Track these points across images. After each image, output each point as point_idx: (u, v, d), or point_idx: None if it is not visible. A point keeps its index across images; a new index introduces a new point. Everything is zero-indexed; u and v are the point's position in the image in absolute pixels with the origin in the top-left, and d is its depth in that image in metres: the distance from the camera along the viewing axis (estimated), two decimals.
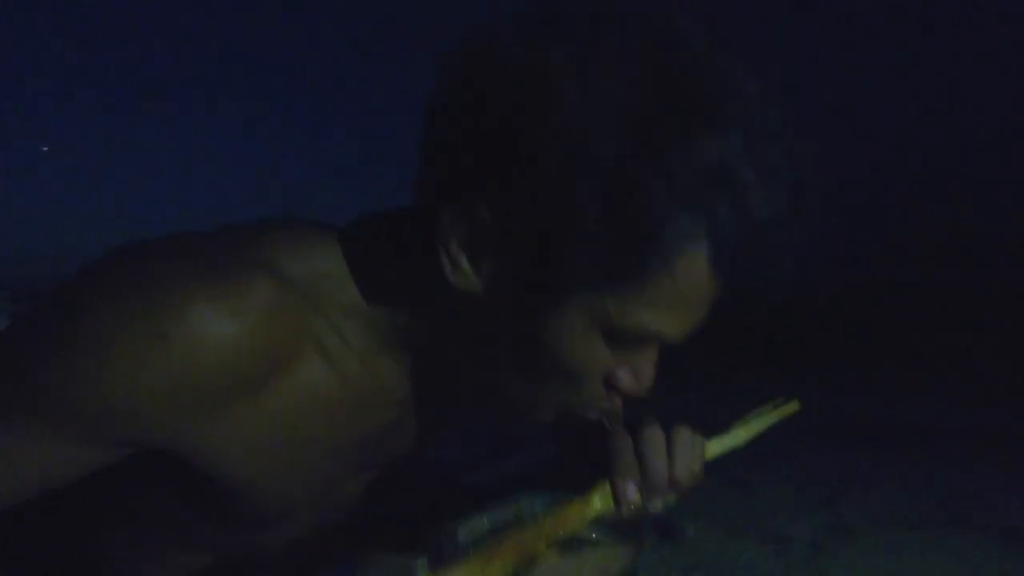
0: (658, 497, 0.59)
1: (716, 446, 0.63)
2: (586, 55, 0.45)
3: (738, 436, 0.65)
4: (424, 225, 0.52)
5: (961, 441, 2.79)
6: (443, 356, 0.58)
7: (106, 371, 0.46)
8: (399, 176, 0.60)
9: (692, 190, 0.44)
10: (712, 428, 0.66)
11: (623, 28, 0.47)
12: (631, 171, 0.44)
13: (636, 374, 0.55)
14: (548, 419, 0.58)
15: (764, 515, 1.88)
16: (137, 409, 0.47)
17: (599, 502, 0.58)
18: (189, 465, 0.53)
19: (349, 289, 0.56)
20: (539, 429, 0.73)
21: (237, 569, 0.70)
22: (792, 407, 0.70)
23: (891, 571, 1.53)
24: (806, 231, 0.49)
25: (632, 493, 0.58)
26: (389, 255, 0.56)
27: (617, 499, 0.57)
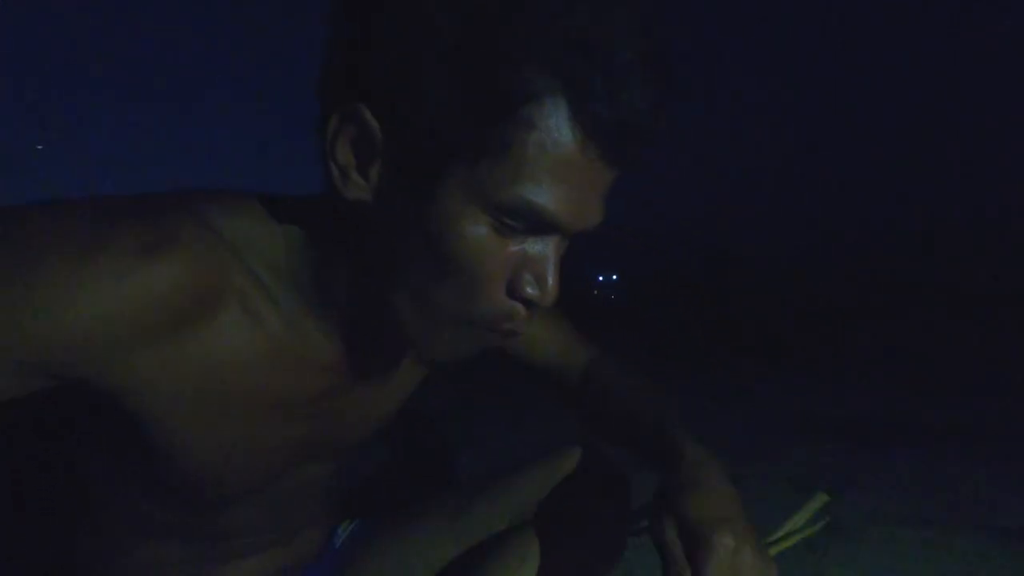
0: None
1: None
2: None
3: (780, 547, 0.67)
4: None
5: (958, 438, 2.77)
6: (360, 307, 0.58)
7: (22, 296, 0.46)
8: None
9: (540, 44, 0.46)
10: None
11: None
12: (477, 36, 0.46)
13: (538, 278, 0.53)
14: (463, 351, 0.57)
15: (758, 514, 1.85)
16: (53, 331, 0.47)
17: None
18: (118, 410, 0.53)
19: (276, 249, 0.57)
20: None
21: (208, 562, 0.68)
22: (821, 500, 0.73)
23: (887, 568, 1.51)
24: (660, 83, 0.49)
25: None
26: (311, 216, 0.58)
27: None
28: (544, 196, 0.49)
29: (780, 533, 0.66)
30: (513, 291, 0.54)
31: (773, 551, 0.63)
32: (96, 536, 0.66)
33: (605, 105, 0.47)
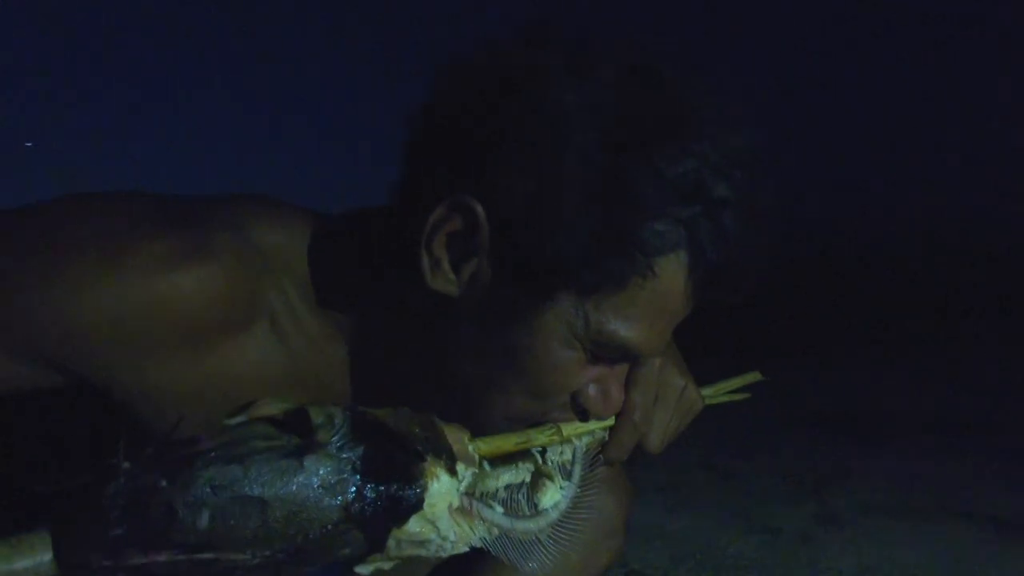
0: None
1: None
2: (580, 65, 0.48)
3: (708, 400, 0.68)
4: (403, 224, 0.52)
5: (948, 430, 2.80)
6: (397, 355, 0.57)
7: (48, 289, 0.46)
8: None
9: (673, 198, 0.47)
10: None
11: (614, 47, 0.51)
12: (619, 175, 0.46)
13: (604, 394, 0.55)
14: (499, 429, 0.56)
15: (752, 506, 1.87)
16: (68, 330, 0.47)
17: (596, 429, 0.58)
18: (125, 413, 0.53)
19: (313, 270, 0.55)
20: None
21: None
22: (753, 376, 0.76)
23: (880, 559, 1.53)
24: (766, 248, 0.52)
25: (628, 446, 0.59)
26: (359, 246, 0.57)
27: (614, 440, 0.59)
28: (640, 334, 0.51)
29: (708, 391, 0.70)
30: (577, 401, 0.55)
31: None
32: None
33: (719, 259, 0.50)
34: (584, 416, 0.56)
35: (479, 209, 0.48)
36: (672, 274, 0.50)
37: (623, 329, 0.50)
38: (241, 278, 0.51)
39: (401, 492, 0.42)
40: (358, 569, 0.43)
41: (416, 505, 0.42)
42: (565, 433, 0.55)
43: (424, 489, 0.43)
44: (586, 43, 0.50)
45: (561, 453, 0.56)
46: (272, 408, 0.43)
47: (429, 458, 0.44)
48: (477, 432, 0.54)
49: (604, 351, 0.52)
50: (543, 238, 0.47)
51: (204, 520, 0.36)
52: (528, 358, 0.51)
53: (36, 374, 0.49)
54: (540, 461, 0.54)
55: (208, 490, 0.36)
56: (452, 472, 0.45)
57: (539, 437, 0.54)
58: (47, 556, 0.35)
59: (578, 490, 0.55)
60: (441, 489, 0.44)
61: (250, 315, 0.53)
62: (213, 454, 0.38)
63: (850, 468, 2.26)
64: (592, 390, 0.55)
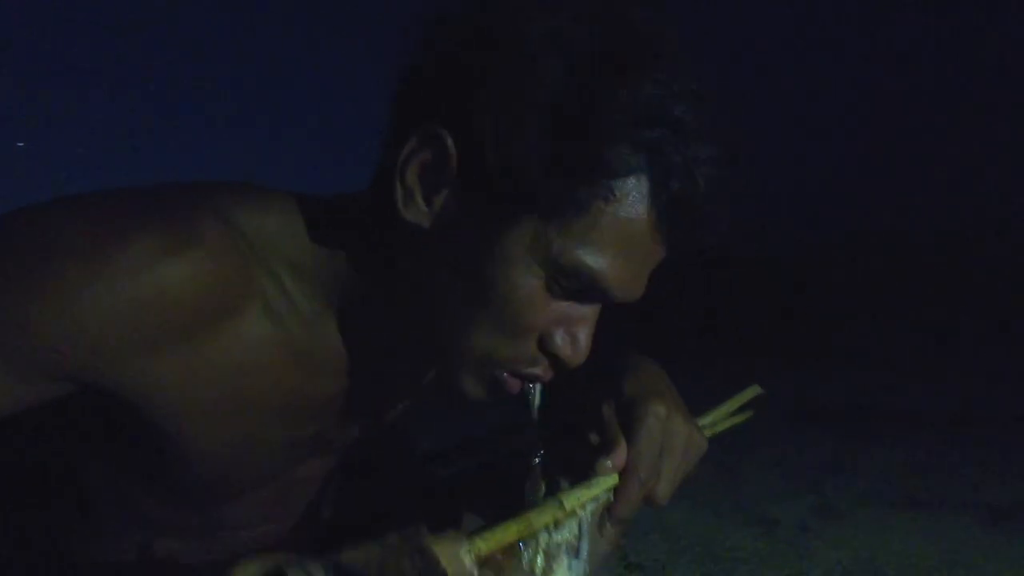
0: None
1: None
2: (543, 6, 0.49)
3: (710, 431, 0.66)
4: (380, 172, 0.54)
5: (943, 423, 2.82)
6: (384, 314, 0.58)
7: (45, 295, 0.45)
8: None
9: (634, 122, 0.48)
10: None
11: None
12: (581, 99, 0.47)
13: (572, 338, 0.54)
14: (477, 392, 0.57)
15: (751, 498, 1.89)
16: (72, 337, 0.46)
17: (601, 493, 0.56)
18: (131, 412, 0.52)
19: (300, 249, 0.56)
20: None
21: (207, 556, 0.68)
22: (752, 391, 0.73)
23: (877, 549, 1.55)
24: (732, 184, 0.51)
25: (636, 503, 0.57)
26: (346, 218, 0.57)
27: (621, 499, 0.57)
28: (604, 264, 0.50)
29: (709, 419, 0.68)
30: (544, 344, 0.54)
31: (707, 433, 0.65)
32: (95, 534, 0.66)
33: (683, 189, 0.49)
34: (556, 367, 0.56)
35: (448, 139, 0.49)
36: (634, 199, 0.49)
37: (586, 256, 0.50)
38: (230, 264, 0.51)
39: None
40: None
41: None
42: (568, 507, 0.53)
43: None
44: None
45: (567, 530, 0.54)
46: (250, 571, 0.41)
47: None
48: (456, 388, 0.55)
49: (569, 281, 0.51)
50: (505, 160, 0.48)
51: None
52: (492, 286, 0.51)
53: (48, 388, 0.49)
54: (545, 545, 0.52)
55: None
56: None
57: (541, 519, 0.52)
58: None
59: (587, 567, 0.54)
60: None
61: (243, 300, 0.53)
62: None
63: (847, 461, 2.28)
64: (559, 335, 0.54)
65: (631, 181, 0.49)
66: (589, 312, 0.55)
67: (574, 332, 0.54)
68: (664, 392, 0.61)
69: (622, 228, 0.50)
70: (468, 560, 0.46)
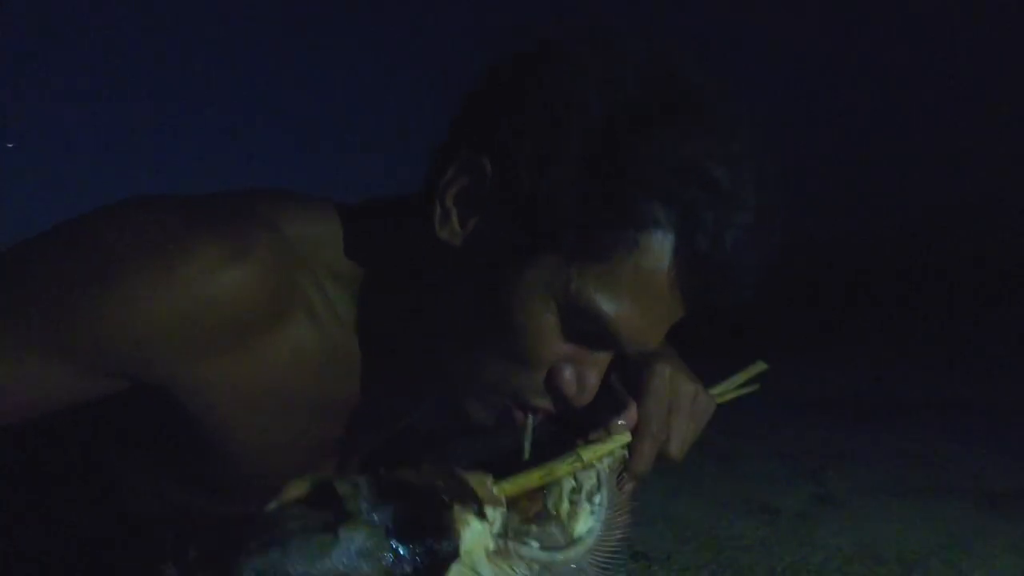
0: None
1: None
2: (602, 45, 0.51)
3: (719, 399, 0.69)
4: (423, 191, 0.56)
5: (940, 412, 2.86)
6: (413, 324, 0.59)
7: (111, 298, 0.48)
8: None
9: (671, 179, 0.48)
10: None
11: (631, 38, 0.52)
12: (620, 145, 0.48)
13: (579, 377, 0.55)
14: (483, 417, 0.58)
15: (752, 487, 1.92)
16: (134, 338, 0.49)
17: (616, 448, 0.58)
18: (178, 409, 0.55)
19: (338, 256, 0.58)
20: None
21: None
22: (758, 368, 0.75)
23: (877, 536, 1.57)
24: (764, 252, 0.52)
25: (650, 458, 0.59)
26: (381, 227, 0.59)
27: (636, 455, 0.59)
28: (618, 311, 0.51)
29: (715, 391, 0.70)
30: (552, 378, 0.55)
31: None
32: (124, 527, 0.68)
33: (709, 250, 0.50)
34: (561, 404, 0.57)
35: (487, 165, 0.51)
36: (657, 254, 0.50)
37: (602, 301, 0.50)
38: (280, 272, 0.54)
39: (436, 545, 0.42)
40: None
41: (453, 554, 0.42)
42: (585, 459, 0.55)
43: (458, 538, 0.43)
44: (611, 30, 0.52)
45: (587, 479, 0.56)
46: (299, 489, 0.44)
47: (456, 507, 0.44)
48: (461, 409, 0.56)
49: (582, 323, 0.52)
50: (537, 193, 0.49)
51: None
52: (509, 314, 0.52)
53: (96, 386, 0.51)
54: (567, 490, 0.55)
55: None
56: (482, 516, 0.45)
57: (561, 468, 0.54)
58: None
59: (609, 512, 0.56)
60: (474, 535, 0.44)
61: (289, 307, 0.56)
62: (252, 544, 0.39)
63: (847, 450, 2.30)
64: (568, 372, 0.55)
65: (657, 235, 0.49)
66: (601, 357, 0.56)
67: (583, 372, 0.55)
68: (667, 355, 0.63)
69: (641, 279, 0.50)
70: (496, 489, 0.48)
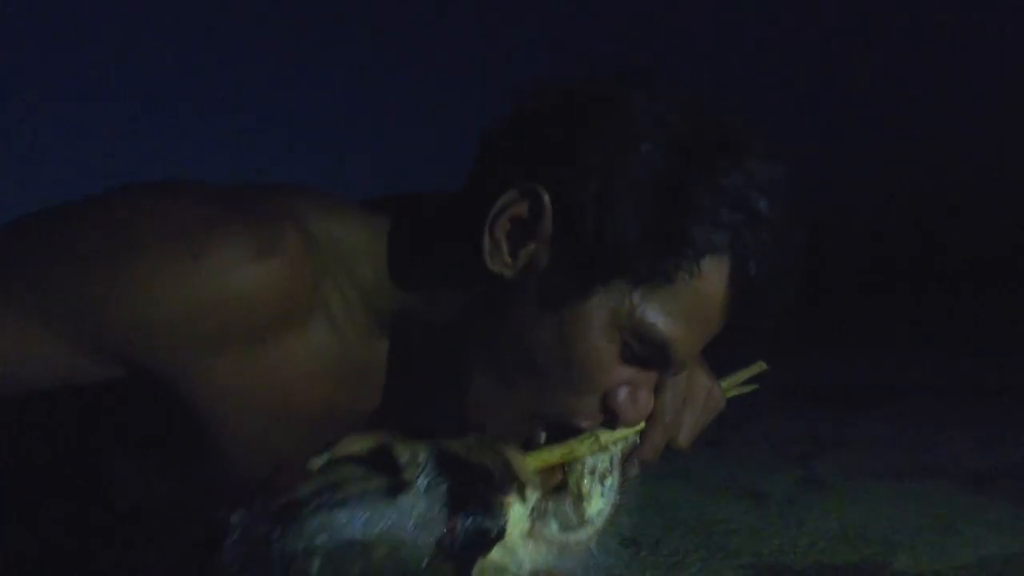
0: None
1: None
2: (653, 87, 0.54)
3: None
4: (467, 211, 0.55)
5: (926, 398, 2.89)
6: (435, 348, 0.59)
7: (129, 280, 0.46)
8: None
9: (722, 205, 0.52)
10: None
11: (679, 87, 0.56)
12: (677, 178, 0.52)
13: (633, 399, 0.57)
14: (534, 435, 0.58)
15: (741, 473, 1.94)
16: (148, 324, 0.47)
17: (631, 434, 0.60)
18: (180, 404, 0.53)
19: (364, 263, 0.57)
20: None
21: None
22: (758, 367, 0.76)
23: (862, 518, 1.59)
24: (794, 274, 0.57)
25: (659, 447, 0.61)
26: (411, 237, 0.58)
27: (646, 443, 0.61)
28: (676, 333, 0.54)
29: (722, 384, 0.72)
30: (607, 401, 0.56)
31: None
32: (116, 526, 0.67)
33: (758, 273, 0.54)
34: (612, 421, 0.58)
35: (545, 197, 0.52)
36: (715, 277, 0.54)
37: (663, 324, 0.53)
38: (305, 272, 0.53)
39: (487, 524, 0.44)
40: None
41: (500, 535, 0.44)
42: (603, 441, 0.57)
43: (506, 520, 0.45)
44: (646, 70, 0.56)
45: (600, 461, 0.58)
46: (355, 447, 0.45)
47: (506, 489, 0.46)
48: (500, 431, 0.56)
49: (641, 346, 0.54)
50: (603, 228, 0.51)
51: (315, 567, 0.38)
52: (568, 343, 0.53)
53: (98, 369, 0.50)
54: (589, 471, 0.57)
55: (317, 538, 0.38)
56: (523, 498, 0.47)
57: (581, 447, 0.56)
58: None
59: (617, 496, 0.58)
60: (516, 516, 0.46)
61: (310, 309, 0.54)
62: (317, 501, 0.40)
63: (835, 436, 2.33)
64: (622, 394, 0.56)
65: (715, 260, 0.53)
66: (652, 377, 0.58)
67: (636, 393, 0.57)
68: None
69: (699, 302, 0.54)
70: (532, 465, 0.50)
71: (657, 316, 0.53)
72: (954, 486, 1.80)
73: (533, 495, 0.49)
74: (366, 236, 0.58)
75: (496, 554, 0.44)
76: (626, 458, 0.60)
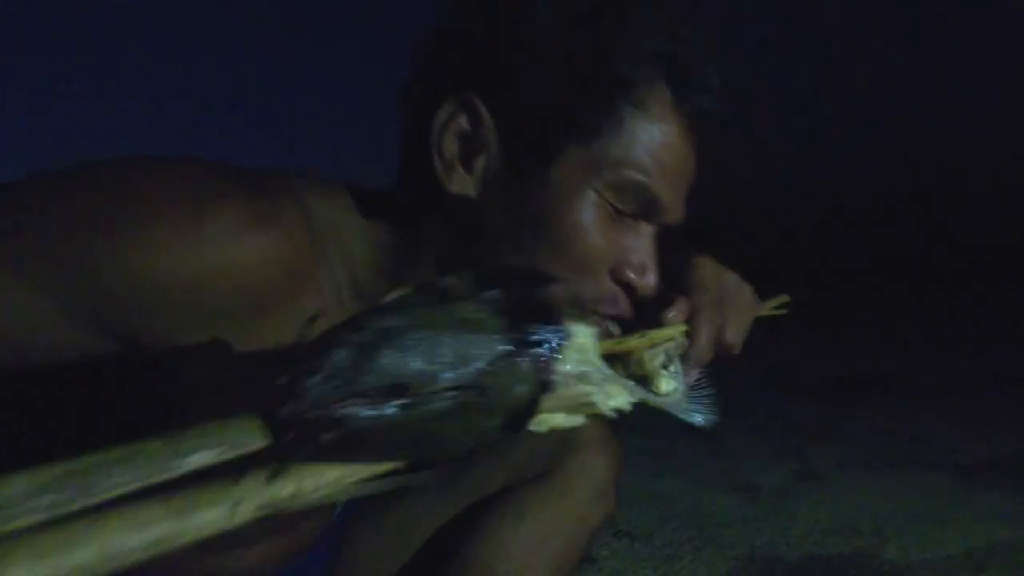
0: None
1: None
2: None
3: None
4: (412, 152, 0.56)
5: (918, 391, 2.92)
6: None
7: (126, 248, 0.45)
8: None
9: (641, 37, 0.54)
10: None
11: None
12: (591, 31, 0.53)
13: (639, 267, 0.58)
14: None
15: (734, 466, 1.96)
16: (149, 292, 0.46)
17: (677, 337, 0.59)
18: (169, 381, 0.51)
19: (358, 243, 0.58)
20: None
21: (211, 549, 0.68)
22: (783, 298, 0.80)
23: (854, 509, 1.61)
24: (728, 86, 0.57)
25: (708, 344, 0.61)
26: (392, 209, 0.59)
27: (695, 341, 0.60)
28: (650, 176, 0.54)
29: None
30: (617, 275, 0.57)
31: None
32: None
33: (700, 94, 0.55)
34: (631, 292, 0.58)
35: (478, 102, 0.53)
36: (660, 109, 0.54)
37: (631, 166, 0.54)
38: (302, 245, 0.52)
39: (550, 320, 0.40)
40: (532, 427, 0.41)
41: (567, 333, 0.40)
42: (653, 337, 0.57)
43: (569, 330, 0.41)
44: None
45: (656, 356, 0.57)
46: (405, 288, 0.42)
47: (571, 312, 0.42)
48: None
49: (624, 200, 0.55)
50: (537, 99, 0.52)
51: (383, 360, 0.35)
52: (559, 223, 0.54)
53: (95, 342, 0.48)
54: (642, 358, 0.56)
55: (383, 336, 0.36)
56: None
57: (631, 341, 0.55)
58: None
59: (684, 385, 0.57)
60: (584, 334, 0.42)
61: (302, 285, 0.54)
62: (382, 311, 0.38)
63: (828, 428, 2.35)
64: (628, 266, 0.57)
65: (654, 93, 0.54)
66: (649, 242, 0.58)
67: (639, 262, 0.58)
68: (706, 256, 0.66)
69: (657, 138, 0.55)
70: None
71: (622, 161, 0.54)
72: (945, 478, 1.82)
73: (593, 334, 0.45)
74: (356, 213, 0.58)
75: (573, 356, 0.41)
76: (684, 358, 0.60)
